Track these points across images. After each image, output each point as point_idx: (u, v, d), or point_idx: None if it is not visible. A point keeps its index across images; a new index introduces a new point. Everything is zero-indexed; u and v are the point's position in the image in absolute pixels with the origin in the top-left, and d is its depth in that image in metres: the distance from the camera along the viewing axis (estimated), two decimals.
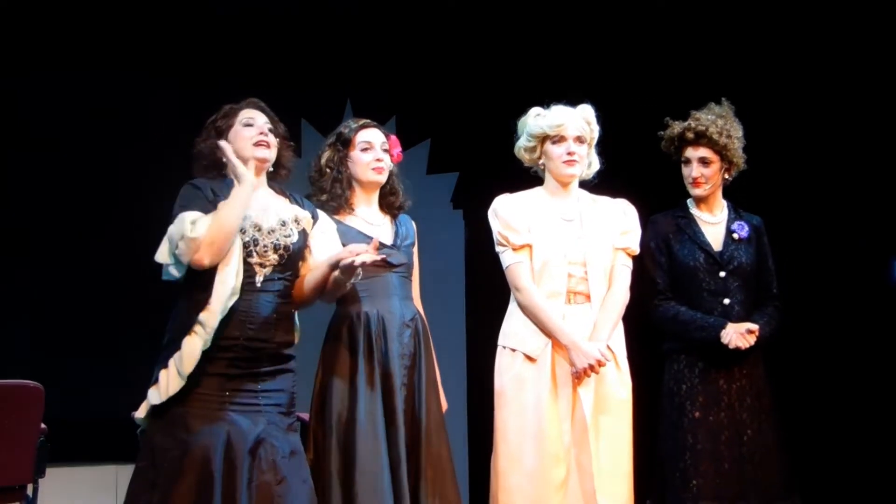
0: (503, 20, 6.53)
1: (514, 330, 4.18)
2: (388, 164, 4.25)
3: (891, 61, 6.02)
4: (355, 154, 4.23)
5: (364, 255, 3.66)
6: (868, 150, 6.16)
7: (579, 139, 4.22)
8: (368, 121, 4.32)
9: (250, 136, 3.82)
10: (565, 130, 4.21)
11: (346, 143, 4.24)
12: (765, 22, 6.22)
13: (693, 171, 4.54)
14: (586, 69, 6.43)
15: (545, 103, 4.31)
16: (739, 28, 6.26)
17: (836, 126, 6.21)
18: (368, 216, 4.24)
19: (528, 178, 4.38)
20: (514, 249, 4.18)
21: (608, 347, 4.09)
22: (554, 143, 4.23)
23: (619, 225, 4.25)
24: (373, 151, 4.23)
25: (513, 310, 4.21)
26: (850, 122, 6.19)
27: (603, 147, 4.36)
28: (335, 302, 4.12)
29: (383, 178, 4.25)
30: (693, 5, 6.23)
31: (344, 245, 4.01)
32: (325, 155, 4.26)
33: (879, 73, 6.08)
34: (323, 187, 4.22)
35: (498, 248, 4.23)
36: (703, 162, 4.54)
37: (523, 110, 4.34)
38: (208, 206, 3.67)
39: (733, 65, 6.21)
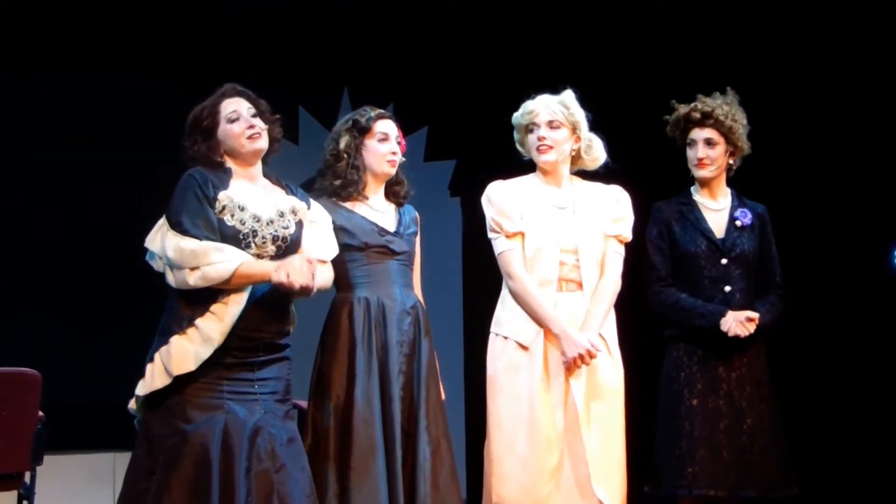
0: (501, 8, 6.52)
1: (506, 317, 4.18)
2: (399, 156, 4.26)
3: (891, 51, 6.02)
4: (372, 144, 4.21)
5: (298, 280, 3.59)
6: (870, 139, 6.16)
7: (551, 124, 4.20)
8: (383, 111, 4.29)
9: (240, 130, 3.78)
10: (536, 117, 4.21)
11: (362, 130, 4.21)
12: (769, 11, 6.20)
13: (699, 151, 4.53)
14: (584, 57, 6.42)
15: (538, 92, 4.31)
16: (743, 17, 6.25)
17: (839, 115, 6.21)
18: (375, 204, 4.23)
19: (525, 166, 4.37)
20: (506, 237, 4.17)
21: (600, 335, 4.09)
22: (529, 131, 4.24)
23: (611, 212, 4.23)
24: (389, 143, 4.22)
25: (505, 297, 4.21)
26: (853, 112, 6.18)
27: (603, 137, 4.35)
28: (335, 288, 4.12)
29: (394, 171, 4.25)
30: None
31: (345, 231, 4.01)
32: (344, 140, 4.21)
33: (880, 63, 6.08)
34: (338, 172, 4.19)
35: (491, 235, 4.23)
36: (709, 143, 4.53)
37: (521, 98, 4.33)
38: (209, 210, 3.64)
39: (736, 53, 6.21)
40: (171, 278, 3.62)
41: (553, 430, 4.04)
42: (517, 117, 4.27)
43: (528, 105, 4.24)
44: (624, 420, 4.14)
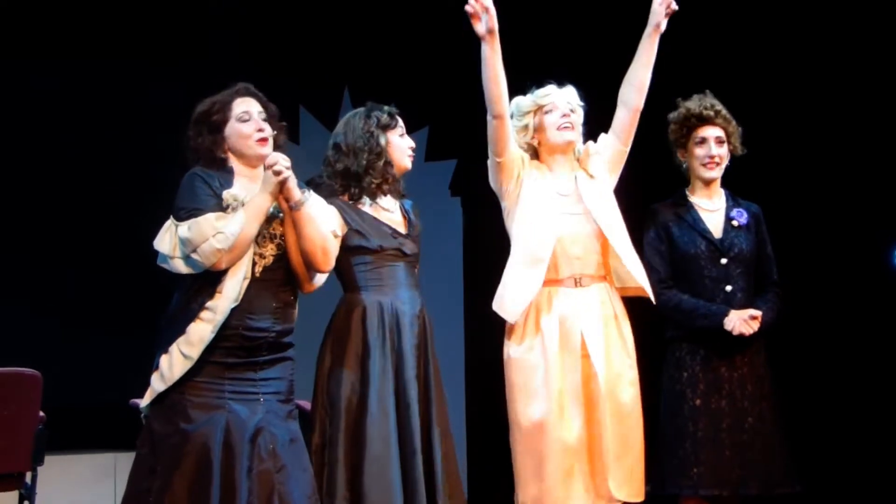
0: (500, 7, 6.51)
1: (510, 297, 4.13)
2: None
3: (885, 46, 6.03)
4: (396, 139, 4.18)
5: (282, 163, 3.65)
6: (865, 136, 6.17)
7: (570, 107, 4.24)
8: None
9: (250, 132, 3.76)
10: (557, 99, 4.25)
11: (386, 126, 4.18)
12: (768, 10, 6.21)
13: (712, 149, 4.51)
14: (582, 57, 6.42)
15: (535, 89, 4.32)
16: (743, 16, 6.26)
17: (833, 113, 6.22)
18: (384, 202, 4.18)
19: None
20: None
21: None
22: (546, 112, 4.25)
23: (602, 158, 4.25)
24: (407, 139, 4.22)
25: (506, 281, 4.16)
26: (847, 109, 6.19)
27: (597, 133, 4.35)
28: (342, 289, 4.11)
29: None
30: None
31: (359, 234, 4.02)
32: (383, 138, 4.15)
33: (874, 59, 6.09)
34: (377, 170, 4.12)
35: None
36: (719, 141, 4.52)
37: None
38: (218, 202, 3.65)
39: (734, 51, 6.21)
40: (196, 261, 3.59)
41: (572, 428, 4.05)
42: (527, 101, 4.29)
43: (546, 89, 4.27)
44: (641, 412, 4.15)
